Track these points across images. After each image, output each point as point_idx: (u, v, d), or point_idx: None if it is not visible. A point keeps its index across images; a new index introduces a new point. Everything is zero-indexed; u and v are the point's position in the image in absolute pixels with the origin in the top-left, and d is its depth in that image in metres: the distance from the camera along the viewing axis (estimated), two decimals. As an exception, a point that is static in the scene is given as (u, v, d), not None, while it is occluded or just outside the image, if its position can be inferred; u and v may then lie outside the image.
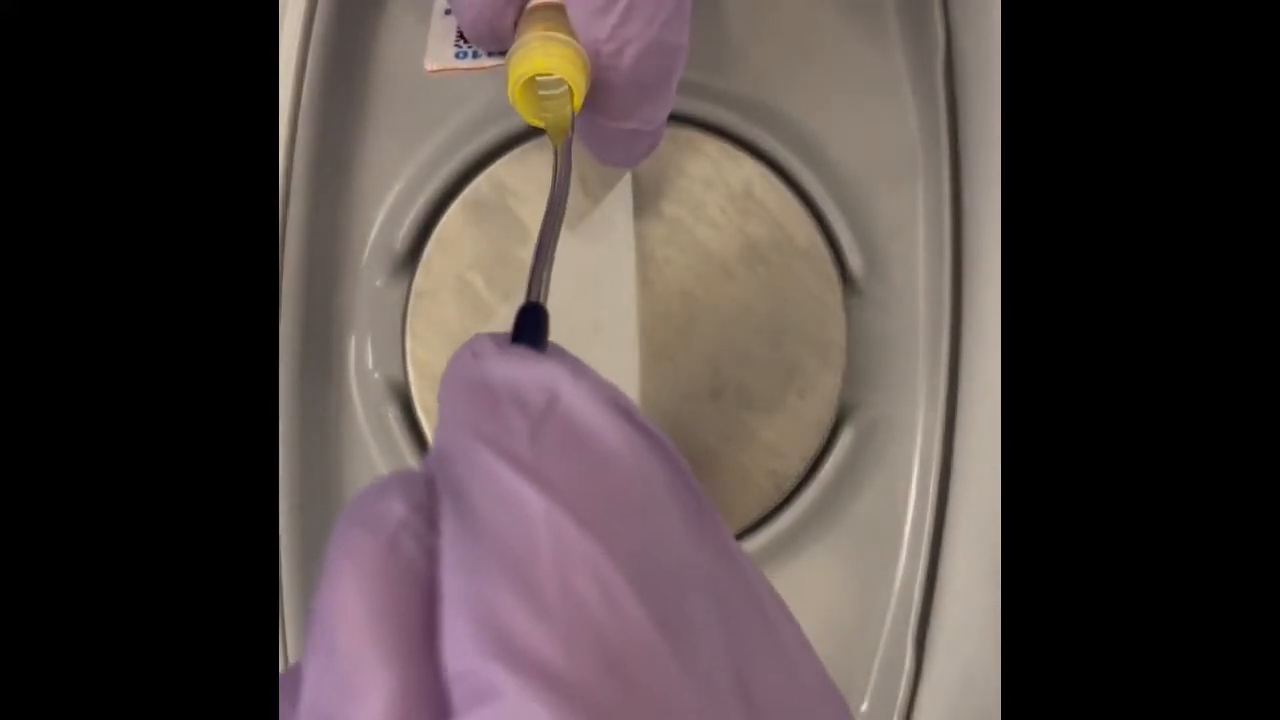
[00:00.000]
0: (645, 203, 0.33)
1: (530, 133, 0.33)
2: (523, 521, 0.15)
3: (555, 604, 0.15)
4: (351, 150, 0.34)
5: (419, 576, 0.16)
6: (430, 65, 0.27)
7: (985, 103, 0.32)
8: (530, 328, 0.21)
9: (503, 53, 0.26)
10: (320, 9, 0.32)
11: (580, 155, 0.30)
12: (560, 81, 0.24)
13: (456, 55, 0.27)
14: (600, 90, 0.25)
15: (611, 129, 0.27)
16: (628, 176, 0.32)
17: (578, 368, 0.19)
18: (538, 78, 0.24)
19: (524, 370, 0.18)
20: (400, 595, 0.16)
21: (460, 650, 0.15)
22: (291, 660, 0.32)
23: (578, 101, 0.24)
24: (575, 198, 0.32)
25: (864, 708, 0.33)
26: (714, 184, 0.33)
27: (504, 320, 0.32)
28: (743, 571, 0.18)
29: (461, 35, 0.27)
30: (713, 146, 0.33)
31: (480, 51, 0.27)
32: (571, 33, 0.24)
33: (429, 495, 0.17)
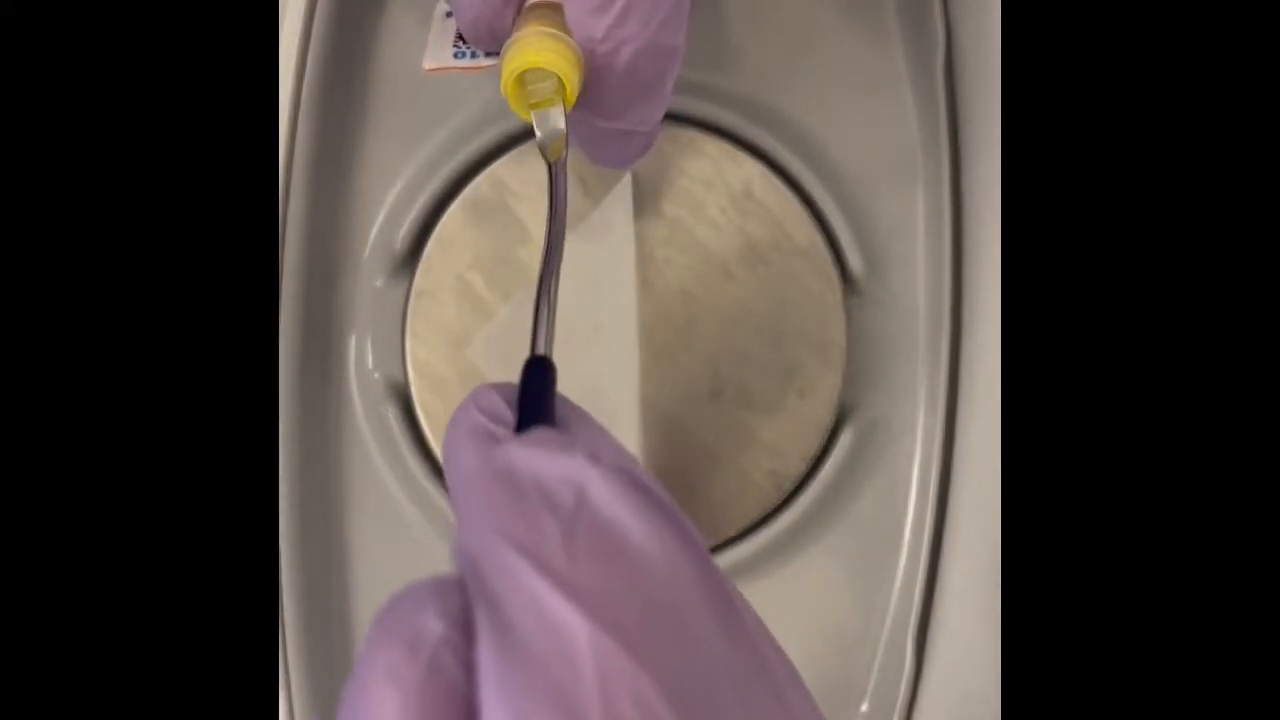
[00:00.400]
0: (645, 203, 0.33)
1: (530, 132, 0.33)
2: (565, 646, 0.15)
3: None
4: (351, 150, 0.34)
5: (460, 696, 0.16)
6: (428, 64, 0.27)
7: (985, 102, 0.32)
8: (537, 387, 0.21)
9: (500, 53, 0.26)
10: (320, 9, 0.32)
11: (578, 155, 0.30)
12: (551, 86, 0.24)
13: (455, 55, 0.27)
14: (595, 89, 0.25)
15: (605, 129, 0.27)
16: (628, 177, 0.32)
17: (597, 447, 0.19)
18: (527, 77, 0.24)
19: (549, 463, 0.18)
20: (443, 718, 0.16)
21: None
22: (291, 660, 0.32)
23: (571, 97, 0.24)
24: (575, 198, 0.32)
25: (864, 708, 0.33)
26: (714, 184, 0.33)
27: (503, 321, 0.32)
28: (757, 648, 0.18)
29: (461, 37, 0.27)
30: (713, 146, 0.33)
31: (478, 52, 0.27)
32: (568, 30, 0.24)
33: (464, 602, 0.17)
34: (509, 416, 0.21)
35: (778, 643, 0.19)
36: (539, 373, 0.21)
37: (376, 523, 0.33)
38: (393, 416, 0.33)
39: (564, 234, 0.24)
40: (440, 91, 0.33)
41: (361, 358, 0.33)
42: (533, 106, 0.24)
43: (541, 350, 0.22)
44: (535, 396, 0.21)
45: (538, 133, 0.25)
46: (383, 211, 0.33)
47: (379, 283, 0.33)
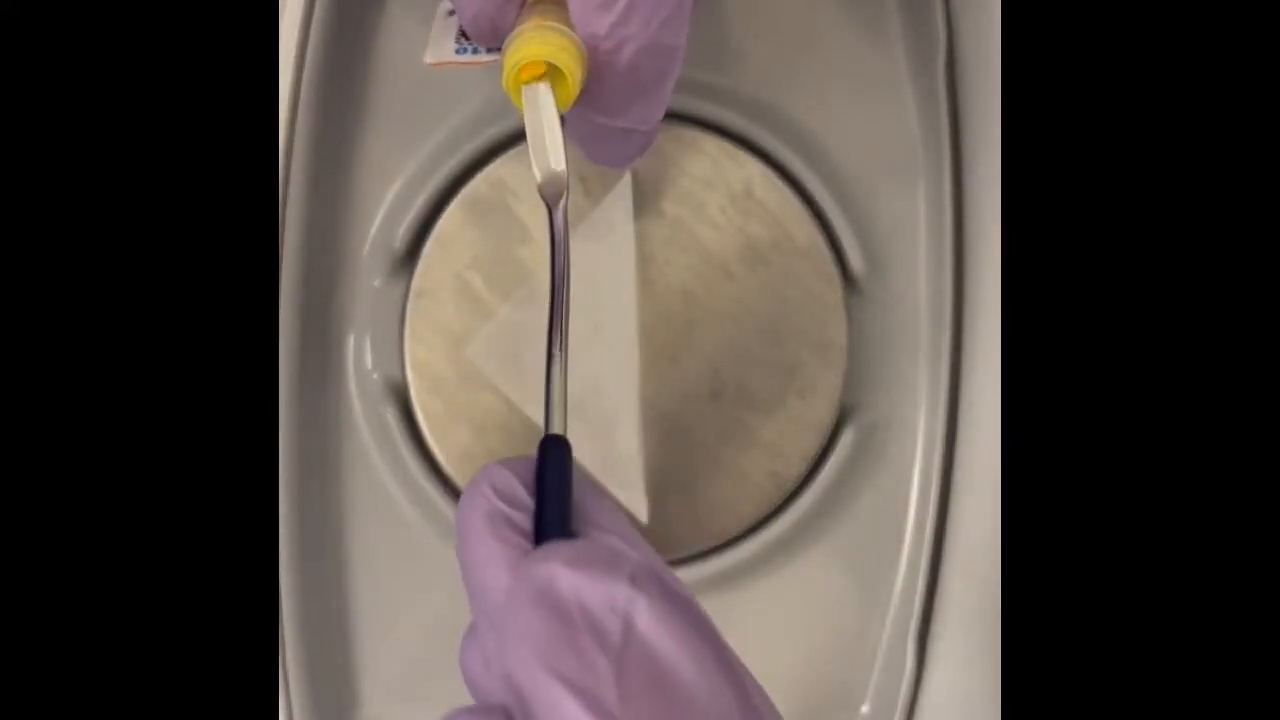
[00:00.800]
0: (646, 203, 0.33)
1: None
2: None
3: None
4: (350, 149, 0.33)
5: None
6: (430, 59, 0.27)
7: (986, 102, 0.32)
8: (556, 471, 0.21)
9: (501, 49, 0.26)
10: (319, 7, 0.32)
11: (577, 153, 0.30)
12: (546, 87, 0.24)
13: (456, 51, 0.27)
14: (596, 86, 0.25)
15: (604, 126, 0.27)
16: (628, 176, 0.32)
17: (637, 569, 0.19)
18: (528, 69, 0.24)
19: (592, 588, 0.18)
20: None
21: None
22: (290, 662, 0.31)
23: (573, 92, 0.24)
24: (575, 197, 0.32)
25: (865, 709, 0.33)
26: (714, 184, 0.33)
27: (503, 321, 0.32)
28: None
29: (463, 34, 0.27)
30: (713, 146, 0.33)
31: (480, 48, 0.27)
32: (571, 26, 0.24)
33: None
34: (526, 500, 0.21)
35: None
36: (556, 455, 0.21)
37: (375, 522, 0.33)
38: (392, 416, 0.33)
39: (568, 290, 0.24)
40: (439, 90, 0.33)
41: (360, 357, 0.33)
42: (524, 82, 0.24)
43: (556, 428, 0.22)
44: (553, 482, 0.21)
45: (537, 175, 0.24)
46: (382, 210, 0.33)
47: (378, 282, 0.33)
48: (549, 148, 0.24)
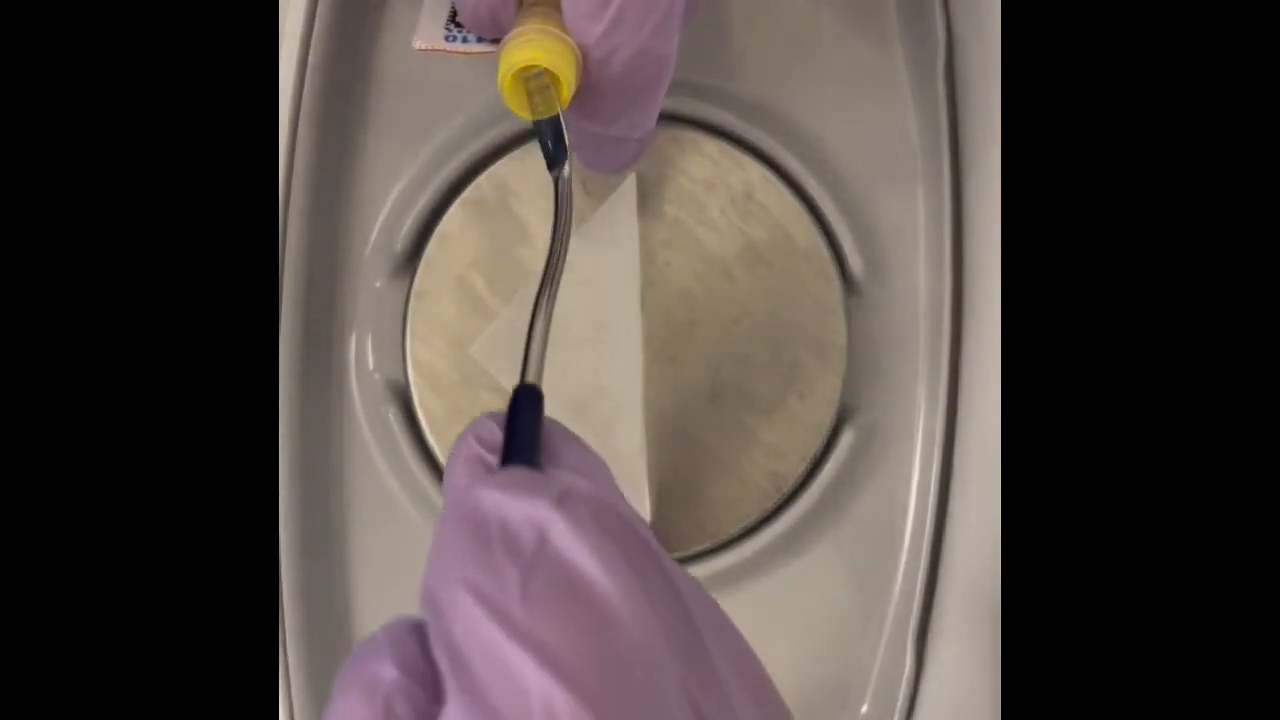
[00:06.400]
0: (646, 204, 0.33)
1: (531, 133, 0.33)
2: (519, 696, 0.16)
3: None
4: (352, 150, 0.33)
5: None
6: (418, 44, 0.27)
7: (986, 104, 0.32)
8: (525, 417, 0.21)
9: (495, 41, 0.26)
10: (321, 8, 0.32)
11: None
12: (547, 86, 0.24)
13: (446, 38, 0.27)
14: (588, 94, 0.25)
15: (598, 134, 0.27)
16: (631, 177, 0.32)
17: (576, 479, 0.19)
18: (524, 72, 0.24)
19: (513, 505, 0.18)
20: None
21: None
22: (291, 660, 0.31)
23: (566, 96, 0.24)
24: (577, 198, 0.32)
25: (864, 709, 0.33)
26: (715, 185, 0.33)
27: (504, 322, 0.32)
28: (725, 694, 0.18)
29: (454, 19, 0.27)
30: (713, 148, 0.33)
31: (470, 37, 0.27)
32: (566, 30, 0.24)
33: (420, 648, 0.18)
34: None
35: (762, 680, 0.19)
36: (526, 403, 0.21)
37: (376, 523, 0.33)
38: (393, 417, 0.33)
39: (565, 255, 0.24)
40: (441, 91, 0.33)
41: (362, 358, 0.33)
42: (531, 93, 0.24)
43: (531, 377, 0.22)
44: (521, 427, 0.21)
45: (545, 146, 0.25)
46: (383, 211, 0.33)
47: (379, 283, 0.33)
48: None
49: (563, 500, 0.18)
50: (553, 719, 0.16)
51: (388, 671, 0.17)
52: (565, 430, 0.22)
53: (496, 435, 0.21)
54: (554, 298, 0.24)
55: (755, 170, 0.33)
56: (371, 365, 0.33)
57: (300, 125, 0.32)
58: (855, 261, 0.34)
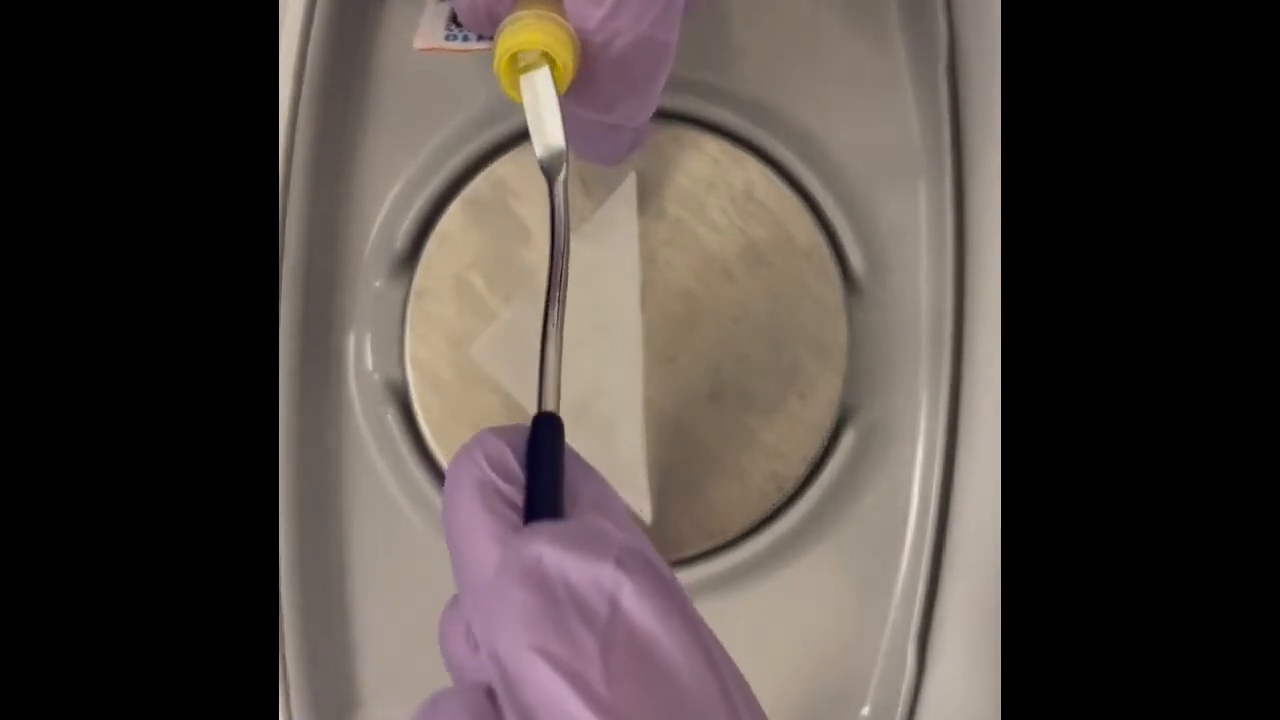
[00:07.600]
0: (646, 203, 0.33)
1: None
2: None
3: None
4: (351, 149, 0.33)
5: None
6: (419, 44, 0.27)
7: (987, 102, 0.32)
8: (547, 448, 0.21)
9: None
10: (320, 7, 0.32)
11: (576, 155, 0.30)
12: (545, 70, 0.24)
13: (447, 37, 0.27)
14: (585, 81, 0.25)
15: (593, 122, 0.27)
16: (631, 176, 0.32)
17: (627, 549, 0.19)
18: (522, 56, 0.24)
19: (580, 568, 0.18)
20: None
21: None
22: (290, 661, 0.31)
23: (564, 82, 0.24)
24: (577, 197, 0.32)
25: (865, 711, 0.33)
26: (715, 184, 0.33)
27: (504, 322, 0.32)
28: None
29: (454, 20, 0.27)
30: (714, 146, 0.33)
31: (470, 35, 0.27)
32: (565, 16, 0.24)
33: (493, 714, 0.18)
34: (517, 473, 0.21)
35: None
36: (549, 432, 0.21)
37: (376, 523, 0.33)
38: (392, 417, 0.33)
39: (567, 272, 0.24)
40: (441, 90, 0.33)
41: (361, 358, 0.33)
42: (523, 70, 0.24)
43: (549, 405, 0.22)
44: (545, 460, 0.21)
45: (538, 150, 0.25)
46: (382, 211, 0.33)
47: (378, 282, 0.33)
48: (547, 125, 0.25)
49: (622, 561, 0.18)
50: None
51: None
52: (578, 457, 0.22)
53: (506, 457, 0.21)
54: (562, 317, 0.23)
55: (756, 169, 0.33)
56: (370, 365, 0.33)
57: (299, 124, 0.32)
58: (856, 261, 0.34)
